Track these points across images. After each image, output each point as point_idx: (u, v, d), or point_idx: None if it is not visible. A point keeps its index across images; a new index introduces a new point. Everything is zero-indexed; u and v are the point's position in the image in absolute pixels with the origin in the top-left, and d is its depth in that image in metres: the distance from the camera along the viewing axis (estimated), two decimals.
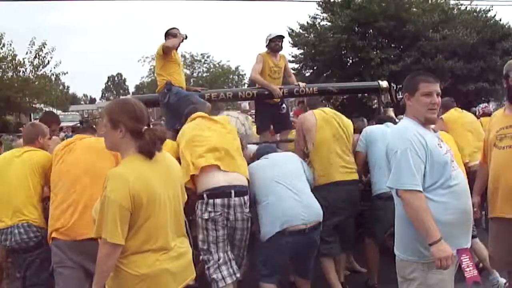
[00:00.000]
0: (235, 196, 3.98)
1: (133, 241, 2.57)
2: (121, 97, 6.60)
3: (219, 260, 3.97)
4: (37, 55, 22.62)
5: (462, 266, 2.83)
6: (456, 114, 6.17)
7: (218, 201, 3.95)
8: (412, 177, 2.78)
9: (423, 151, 2.84)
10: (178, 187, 2.86)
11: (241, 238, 4.13)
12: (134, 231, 2.57)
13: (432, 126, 3.16)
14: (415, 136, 2.87)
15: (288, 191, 4.20)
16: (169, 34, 6.06)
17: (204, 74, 43.47)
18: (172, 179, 2.80)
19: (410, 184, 2.77)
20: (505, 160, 3.52)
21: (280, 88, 6.42)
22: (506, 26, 23.49)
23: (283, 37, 6.67)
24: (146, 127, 2.70)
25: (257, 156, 4.78)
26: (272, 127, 6.84)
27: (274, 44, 6.53)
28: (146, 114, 2.77)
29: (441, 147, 2.96)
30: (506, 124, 3.58)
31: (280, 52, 6.72)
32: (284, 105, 6.82)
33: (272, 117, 6.63)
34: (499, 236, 3.58)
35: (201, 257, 4.01)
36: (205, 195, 3.98)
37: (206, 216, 3.95)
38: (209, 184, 4.01)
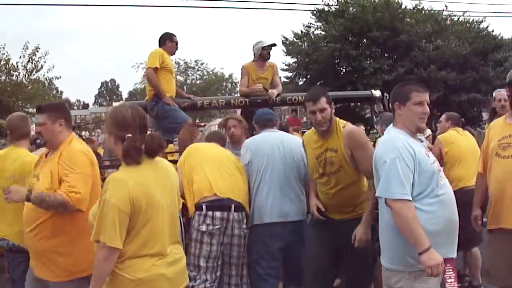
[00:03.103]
0: (234, 211, 3.89)
1: (130, 245, 2.59)
2: (113, 103, 6.58)
3: (206, 281, 3.80)
4: (30, 59, 22.50)
5: (445, 276, 2.84)
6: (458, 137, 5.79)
7: (218, 214, 3.83)
8: (401, 187, 2.78)
9: (412, 160, 2.85)
10: (175, 194, 2.89)
11: (238, 255, 4.02)
12: (132, 235, 2.59)
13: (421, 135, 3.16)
14: (403, 145, 2.88)
15: (278, 185, 4.13)
16: (167, 38, 6.05)
17: (198, 81, 43.41)
18: (169, 186, 2.83)
19: (400, 193, 2.78)
20: (510, 169, 3.48)
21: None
22: (499, 37, 23.68)
23: (275, 44, 6.62)
24: (129, 135, 2.66)
25: (256, 121, 4.60)
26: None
27: (266, 52, 6.49)
28: (135, 120, 2.72)
29: (428, 156, 2.98)
30: (509, 133, 3.55)
31: (272, 61, 6.64)
32: None
33: None
34: (499, 248, 3.53)
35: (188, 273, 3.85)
36: (204, 207, 3.86)
37: (203, 228, 3.80)
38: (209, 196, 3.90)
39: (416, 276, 2.84)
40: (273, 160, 4.16)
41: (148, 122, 2.82)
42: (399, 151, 2.84)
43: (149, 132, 2.79)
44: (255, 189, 4.18)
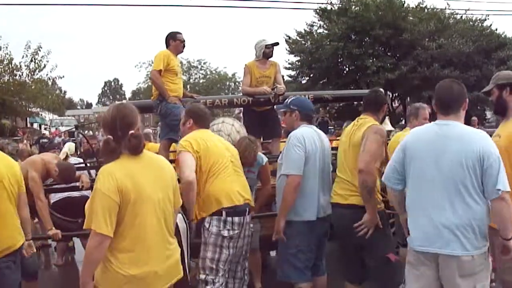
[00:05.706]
0: (248, 214, 3.98)
1: (121, 238, 2.64)
2: (116, 102, 6.59)
3: (223, 284, 3.85)
4: (33, 58, 22.55)
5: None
6: None
7: (236, 219, 3.86)
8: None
9: None
10: (170, 189, 2.90)
11: (246, 251, 4.09)
12: (122, 229, 2.64)
13: None
14: None
15: (319, 182, 4.11)
16: (170, 38, 6.07)
17: (201, 81, 43.55)
18: (163, 181, 2.86)
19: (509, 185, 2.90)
20: None
21: (275, 95, 6.38)
22: (502, 36, 23.66)
23: (278, 43, 6.62)
24: (109, 136, 2.75)
25: (301, 109, 4.34)
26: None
27: (269, 50, 6.47)
28: (114, 122, 2.76)
29: None
30: None
31: (273, 60, 6.61)
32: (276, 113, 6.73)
33: (261, 124, 6.54)
34: None
35: (199, 276, 3.80)
36: (224, 212, 3.83)
37: (226, 233, 3.80)
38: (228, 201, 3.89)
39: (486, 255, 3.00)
40: (318, 155, 4.14)
41: (134, 121, 2.79)
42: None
43: (131, 132, 2.76)
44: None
